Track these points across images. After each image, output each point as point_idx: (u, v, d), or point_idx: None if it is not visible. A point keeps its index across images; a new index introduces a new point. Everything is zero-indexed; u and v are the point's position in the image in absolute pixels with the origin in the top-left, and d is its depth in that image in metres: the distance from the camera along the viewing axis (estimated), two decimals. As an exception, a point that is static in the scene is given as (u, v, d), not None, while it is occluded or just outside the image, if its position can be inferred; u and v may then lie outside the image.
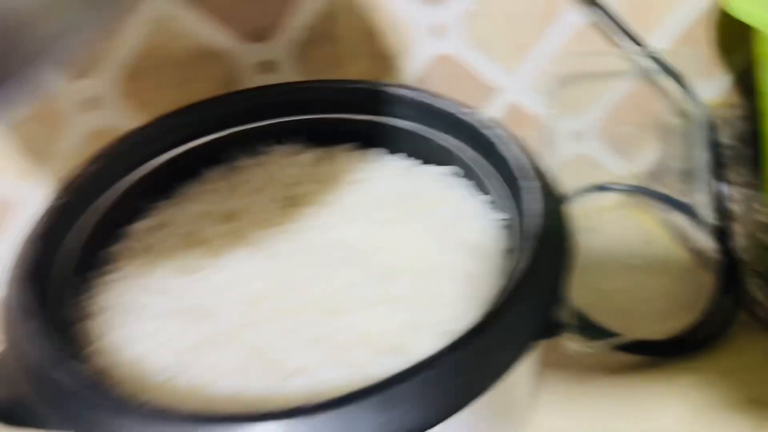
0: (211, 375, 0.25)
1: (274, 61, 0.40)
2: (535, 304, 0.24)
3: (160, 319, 0.28)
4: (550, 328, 0.40)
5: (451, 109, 0.34)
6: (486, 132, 0.31)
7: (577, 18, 0.43)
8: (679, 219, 0.49)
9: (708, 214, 0.47)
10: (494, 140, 0.31)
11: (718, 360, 0.42)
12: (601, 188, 0.51)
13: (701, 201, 0.47)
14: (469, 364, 0.23)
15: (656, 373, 0.42)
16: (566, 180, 0.51)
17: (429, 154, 0.35)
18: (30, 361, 0.23)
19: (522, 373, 0.28)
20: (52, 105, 0.37)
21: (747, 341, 0.43)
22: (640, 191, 0.52)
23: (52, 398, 0.22)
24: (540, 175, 0.29)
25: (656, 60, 0.45)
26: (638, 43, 0.44)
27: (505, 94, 0.45)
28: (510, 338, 0.24)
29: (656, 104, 0.49)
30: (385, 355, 0.25)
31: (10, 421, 0.26)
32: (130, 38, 0.37)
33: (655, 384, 0.41)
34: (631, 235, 0.51)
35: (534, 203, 0.27)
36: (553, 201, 0.28)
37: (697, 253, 0.47)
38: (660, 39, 0.46)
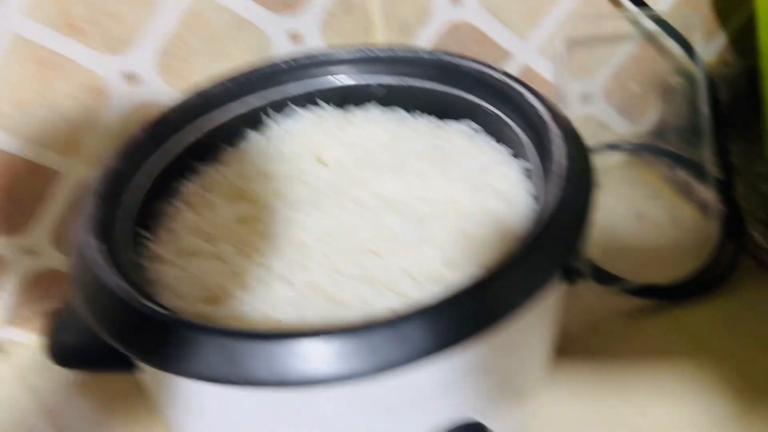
0: (266, 308, 0.28)
1: (301, 32, 0.42)
2: (564, 239, 0.27)
3: (219, 259, 0.30)
4: (570, 274, 0.43)
5: (470, 65, 0.36)
6: (509, 85, 0.34)
7: (585, -17, 0.46)
8: (683, 174, 0.52)
9: (711, 168, 0.49)
10: (517, 92, 0.33)
11: (724, 302, 0.45)
12: (609, 147, 0.54)
13: (704, 156, 0.49)
14: (502, 290, 0.25)
15: (665, 315, 0.45)
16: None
17: (445, 111, 0.38)
18: (103, 299, 0.26)
19: (546, 309, 0.31)
20: (95, 81, 0.40)
21: (751, 284, 0.46)
22: (646, 149, 0.54)
23: (133, 331, 0.25)
24: (562, 123, 0.31)
25: (659, 22, 0.48)
26: (642, 5, 0.46)
27: (518, 58, 0.48)
28: (539, 268, 0.26)
29: (659, 65, 0.52)
30: (428, 287, 0.28)
31: (74, 363, 0.29)
32: (168, 12, 0.39)
33: (664, 326, 0.44)
34: (638, 191, 0.53)
35: (559, 148, 0.30)
36: (577, 146, 0.30)
37: (702, 205, 0.50)
38: (662, 1, 0.49)
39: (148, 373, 0.27)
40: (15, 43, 0.37)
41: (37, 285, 0.45)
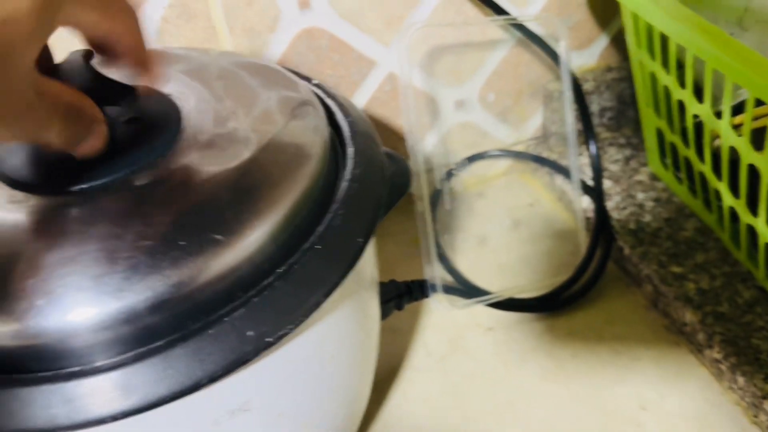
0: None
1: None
2: (330, 263, 0.25)
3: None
4: (416, 291, 0.41)
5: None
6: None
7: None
8: (562, 182, 0.51)
9: (579, 176, 0.48)
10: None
11: (586, 314, 0.44)
12: (486, 156, 0.52)
13: (572, 164, 0.48)
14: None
15: (527, 329, 0.44)
16: (454, 148, 0.52)
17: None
18: None
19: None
20: None
21: (615, 296, 0.45)
22: (524, 157, 0.53)
23: None
24: (360, 141, 0.30)
25: (521, 28, 0.47)
26: (501, 11, 0.45)
27: (382, 66, 0.46)
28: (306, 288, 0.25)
29: (537, 71, 0.51)
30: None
31: None
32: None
33: (523, 340, 0.43)
34: (518, 200, 0.52)
35: (347, 169, 0.28)
36: (368, 167, 0.28)
37: (576, 214, 0.49)
38: (533, 6, 0.47)
39: None
40: None
41: None
